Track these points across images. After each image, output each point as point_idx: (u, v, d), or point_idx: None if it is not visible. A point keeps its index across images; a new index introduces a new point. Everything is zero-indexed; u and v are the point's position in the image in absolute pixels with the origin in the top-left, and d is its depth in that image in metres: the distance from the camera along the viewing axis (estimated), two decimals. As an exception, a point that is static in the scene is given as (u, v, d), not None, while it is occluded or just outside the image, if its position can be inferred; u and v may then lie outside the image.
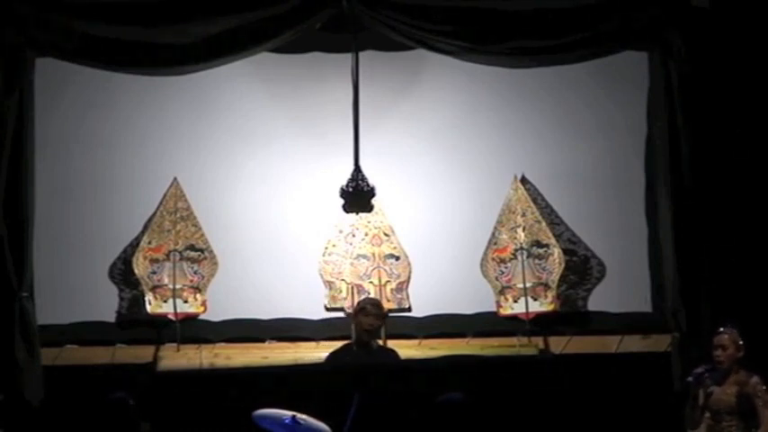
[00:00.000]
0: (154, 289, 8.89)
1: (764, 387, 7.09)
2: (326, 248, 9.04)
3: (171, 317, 8.84)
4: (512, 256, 9.00)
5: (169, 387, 7.81)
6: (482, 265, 9.01)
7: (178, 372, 8.46)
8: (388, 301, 8.96)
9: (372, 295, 8.85)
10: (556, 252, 8.97)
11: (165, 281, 8.89)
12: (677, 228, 8.53)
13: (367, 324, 8.01)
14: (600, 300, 9.10)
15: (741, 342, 7.21)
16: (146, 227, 9.01)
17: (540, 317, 8.91)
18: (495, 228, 9.04)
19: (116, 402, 6.41)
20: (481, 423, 6.77)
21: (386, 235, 9.08)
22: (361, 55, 8.63)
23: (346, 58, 8.61)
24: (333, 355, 8.09)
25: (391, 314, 8.93)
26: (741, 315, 7.81)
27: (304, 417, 6.12)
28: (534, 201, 9.09)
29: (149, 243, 8.94)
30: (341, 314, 8.92)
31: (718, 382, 7.18)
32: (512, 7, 8.46)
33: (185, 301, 8.90)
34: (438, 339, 8.92)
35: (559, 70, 8.95)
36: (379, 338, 8.38)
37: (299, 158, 9.14)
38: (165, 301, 8.87)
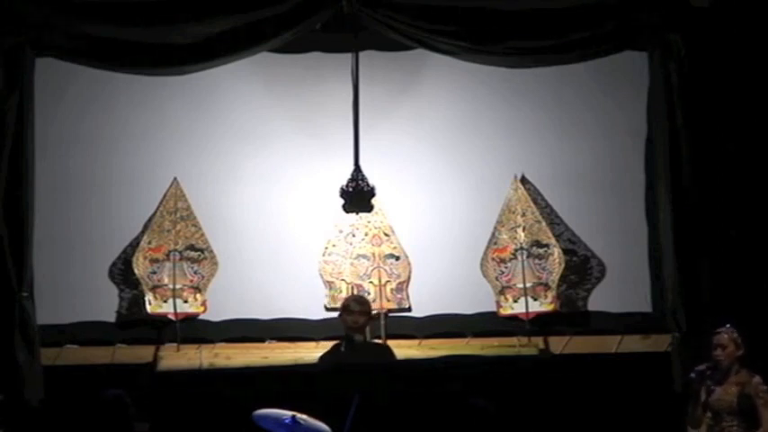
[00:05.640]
0: (154, 289, 8.89)
1: (766, 387, 7.09)
2: (326, 248, 9.05)
3: (171, 317, 8.85)
4: (512, 256, 9.01)
5: (169, 387, 7.81)
6: (482, 265, 9.01)
7: (178, 372, 8.46)
8: (388, 301, 8.97)
9: (372, 295, 8.85)
10: (556, 252, 8.97)
11: (165, 281, 8.90)
12: (677, 228, 8.53)
13: (351, 321, 7.97)
14: (600, 300, 9.10)
15: (740, 341, 7.21)
16: (146, 227, 9.02)
17: (540, 317, 8.92)
18: (495, 228, 9.04)
19: (112, 399, 6.40)
20: (482, 423, 6.78)
21: (386, 235, 9.08)
22: (361, 55, 8.63)
23: (346, 58, 8.62)
24: (323, 357, 8.08)
25: (391, 314, 8.95)
26: (741, 315, 7.81)
27: (304, 417, 6.12)
28: (534, 201, 9.10)
29: (149, 243, 8.94)
30: (341, 314, 8.93)
31: (718, 382, 7.18)
32: (512, 7, 8.46)
33: (185, 301, 8.90)
34: (438, 339, 8.92)
35: (559, 70, 8.95)
36: (364, 336, 8.34)
37: (299, 158, 9.15)
38: (165, 301, 8.88)
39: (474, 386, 7.14)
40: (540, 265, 8.98)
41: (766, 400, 7.05)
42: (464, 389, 7.03)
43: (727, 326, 7.26)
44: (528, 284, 8.93)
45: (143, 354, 8.78)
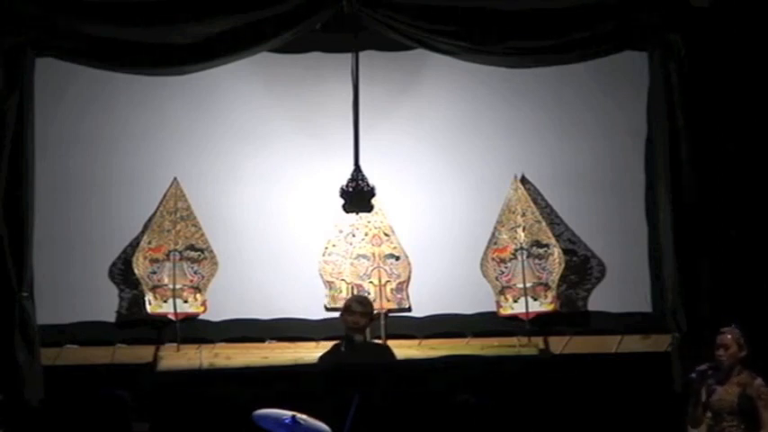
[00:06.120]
0: (154, 289, 8.89)
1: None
2: (326, 248, 9.05)
3: (171, 317, 8.85)
4: (512, 256, 9.01)
5: (169, 387, 7.81)
6: (482, 265, 9.01)
7: (178, 372, 8.46)
8: (388, 301, 8.97)
9: (372, 295, 8.85)
10: (556, 252, 8.97)
11: (165, 281, 8.90)
12: (677, 228, 8.53)
13: (351, 322, 7.95)
14: (600, 300, 9.10)
15: (744, 341, 7.20)
16: (146, 227, 9.02)
17: (540, 317, 8.92)
18: (495, 228, 9.05)
19: (112, 399, 6.41)
20: (483, 423, 6.78)
21: (386, 235, 9.08)
22: (361, 55, 8.63)
23: (346, 58, 8.62)
24: (323, 357, 8.07)
25: (391, 314, 8.95)
26: (741, 315, 7.80)
27: (304, 417, 6.12)
28: (534, 201, 9.10)
29: (149, 243, 8.94)
30: (341, 314, 8.93)
31: (720, 382, 7.17)
32: (512, 7, 8.46)
33: (185, 301, 8.90)
34: (438, 339, 8.92)
35: (559, 70, 8.95)
36: (364, 336, 8.31)
37: (299, 158, 9.15)
38: (165, 301, 8.88)
39: (474, 386, 7.15)
40: (540, 265, 8.98)
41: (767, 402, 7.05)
42: (464, 389, 7.03)
43: (732, 326, 7.24)
44: (528, 284, 8.93)
45: (143, 354, 8.78)
